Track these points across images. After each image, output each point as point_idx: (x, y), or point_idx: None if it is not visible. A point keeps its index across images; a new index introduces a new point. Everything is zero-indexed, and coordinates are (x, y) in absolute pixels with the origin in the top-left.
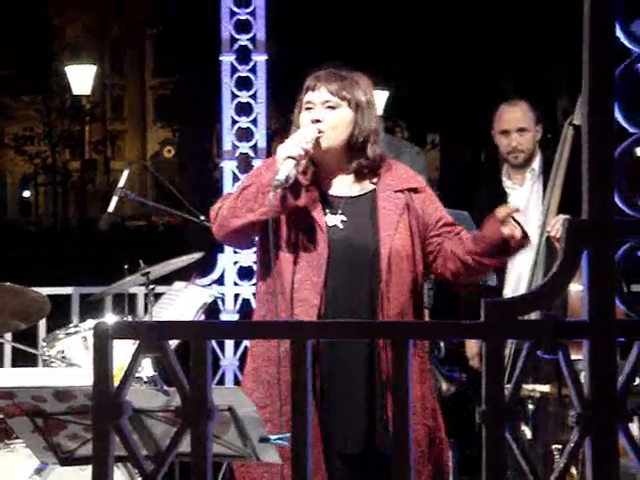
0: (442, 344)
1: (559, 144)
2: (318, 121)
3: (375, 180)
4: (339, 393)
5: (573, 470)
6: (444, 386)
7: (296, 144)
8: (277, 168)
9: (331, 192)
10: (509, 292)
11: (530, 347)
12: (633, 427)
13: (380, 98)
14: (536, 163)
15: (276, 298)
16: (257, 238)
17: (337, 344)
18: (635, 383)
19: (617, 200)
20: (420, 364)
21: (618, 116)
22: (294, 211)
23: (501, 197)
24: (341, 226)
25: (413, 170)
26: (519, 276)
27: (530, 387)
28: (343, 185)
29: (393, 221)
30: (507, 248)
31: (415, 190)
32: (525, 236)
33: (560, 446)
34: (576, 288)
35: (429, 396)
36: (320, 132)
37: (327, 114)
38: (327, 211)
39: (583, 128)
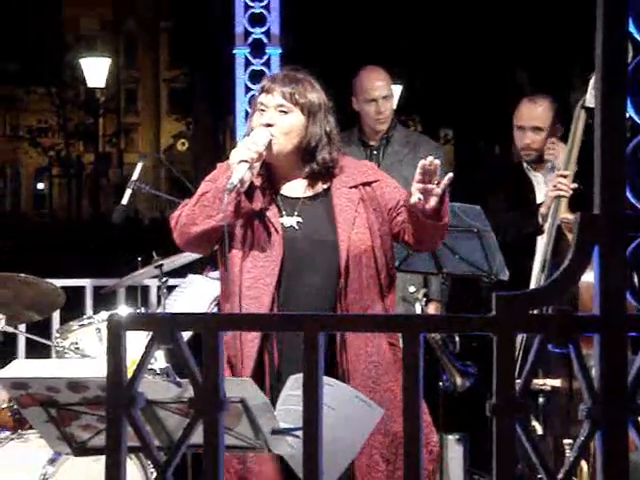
0: (457, 338)
1: (571, 127)
2: (270, 125)
3: (327, 179)
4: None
5: (583, 464)
6: (458, 380)
7: (249, 148)
8: (231, 172)
9: (286, 194)
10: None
11: (541, 341)
12: None
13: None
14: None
15: (232, 300)
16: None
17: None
18: None
19: (629, 195)
20: (394, 355)
21: (630, 111)
22: (250, 214)
23: (526, 184)
24: (297, 227)
25: None
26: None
27: (541, 381)
28: (297, 187)
29: (350, 217)
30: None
31: (368, 183)
32: (441, 202)
33: (570, 440)
34: (587, 281)
35: (390, 377)
36: (272, 136)
37: (279, 119)
38: (283, 213)
39: (594, 121)
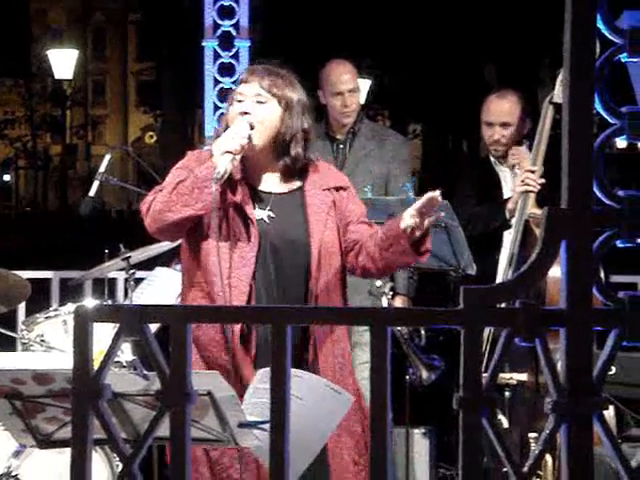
0: (422, 331)
1: (539, 123)
2: (246, 113)
3: (302, 177)
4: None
5: (548, 458)
6: (424, 374)
7: (233, 138)
8: (213, 163)
9: (260, 187)
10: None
11: (508, 335)
12: (609, 415)
13: (363, 86)
14: None
15: (206, 288)
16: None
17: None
18: (610, 372)
19: (596, 190)
20: (343, 354)
21: (598, 106)
22: (227, 205)
23: (494, 180)
24: (267, 221)
25: (397, 159)
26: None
27: (507, 375)
28: (271, 181)
29: (322, 219)
30: (408, 243)
31: (340, 188)
32: (424, 237)
33: (536, 434)
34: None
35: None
36: (252, 128)
37: (256, 108)
38: (255, 205)
39: (562, 117)
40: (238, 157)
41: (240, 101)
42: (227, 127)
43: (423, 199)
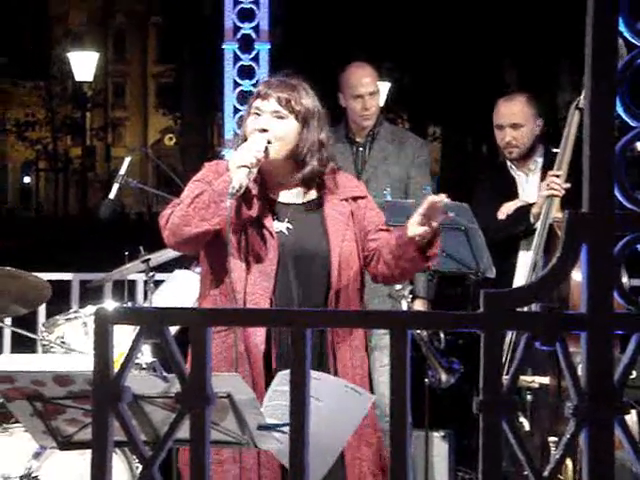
0: (442, 335)
1: (565, 128)
2: (265, 130)
3: (320, 188)
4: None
5: (569, 462)
6: (443, 377)
7: (249, 152)
8: (230, 177)
9: (278, 199)
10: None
11: (528, 339)
12: (631, 419)
13: (382, 89)
14: (538, 156)
15: (232, 301)
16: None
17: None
18: (632, 376)
19: (617, 194)
20: (361, 364)
21: (619, 109)
22: (246, 219)
23: (510, 184)
24: (287, 232)
25: (417, 161)
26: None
27: (530, 378)
28: (288, 193)
29: (341, 229)
30: (418, 249)
31: (357, 198)
32: (432, 242)
33: (556, 438)
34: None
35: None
36: (269, 142)
37: (275, 124)
38: (274, 218)
39: (585, 120)
40: (254, 170)
41: (257, 115)
42: (244, 139)
43: (424, 204)
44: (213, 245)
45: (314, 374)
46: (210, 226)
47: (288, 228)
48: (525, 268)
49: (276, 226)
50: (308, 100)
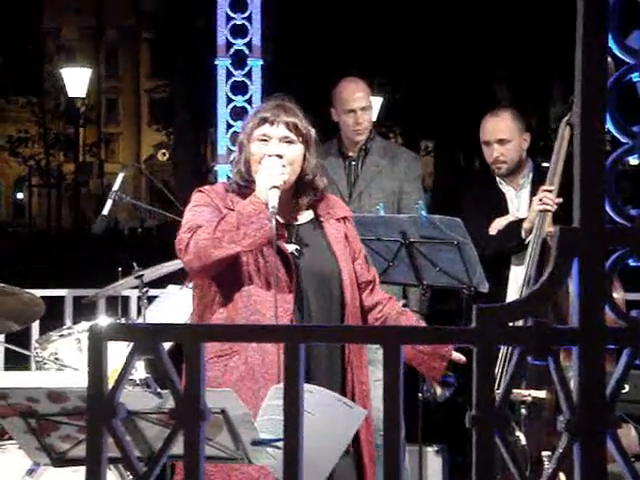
0: None
1: (556, 143)
2: (279, 156)
3: (313, 208)
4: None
5: (562, 476)
6: (438, 391)
7: (276, 174)
8: (257, 198)
9: (283, 221)
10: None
11: (520, 353)
12: (630, 434)
13: (374, 103)
14: (527, 170)
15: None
16: None
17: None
18: (624, 390)
19: (608, 208)
20: (367, 381)
21: (609, 125)
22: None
23: (499, 200)
24: (296, 253)
25: (409, 175)
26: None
27: (525, 392)
28: (289, 214)
29: (342, 248)
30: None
31: (345, 219)
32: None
33: (549, 452)
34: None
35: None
36: (283, 166)
37: (285, 150)
38: (285, 240)
39: (575, 136)
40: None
41: (265, 141)
42: (249, 166)
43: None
44: (228, 269)
45: (307, 387)
46: (240, 248)
47: (297, 249)
48: (517, 283)
49: (287, 247)
50: (308, 124)
